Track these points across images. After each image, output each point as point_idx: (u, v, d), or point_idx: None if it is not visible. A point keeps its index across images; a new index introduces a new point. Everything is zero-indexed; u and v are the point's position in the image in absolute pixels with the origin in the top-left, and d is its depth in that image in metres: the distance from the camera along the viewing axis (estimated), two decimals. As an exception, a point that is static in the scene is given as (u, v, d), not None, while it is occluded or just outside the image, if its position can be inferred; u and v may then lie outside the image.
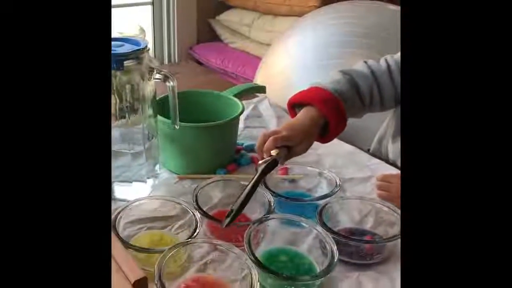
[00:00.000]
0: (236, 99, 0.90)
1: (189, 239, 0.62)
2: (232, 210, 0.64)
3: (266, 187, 0.74)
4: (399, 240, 0.67)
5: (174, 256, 0.59)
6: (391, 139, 0.89)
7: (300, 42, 1.41)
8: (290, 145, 0.72)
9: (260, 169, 0.69)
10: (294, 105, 0.80)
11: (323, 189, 0.78)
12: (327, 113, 0.75)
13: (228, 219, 0.64)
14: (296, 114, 0.78)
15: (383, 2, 1.70)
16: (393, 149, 0.88)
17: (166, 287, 0.53)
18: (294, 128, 0.73)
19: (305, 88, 0.81)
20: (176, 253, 0.59)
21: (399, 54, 0.86)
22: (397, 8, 1.55)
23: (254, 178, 0.68)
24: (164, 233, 0.69)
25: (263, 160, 0.71)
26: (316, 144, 0.99)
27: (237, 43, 2.07)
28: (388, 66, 0.84)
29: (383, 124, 0.94)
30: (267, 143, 0.71)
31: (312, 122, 0.75)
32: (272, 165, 0.70)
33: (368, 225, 0.73)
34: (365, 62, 0.85)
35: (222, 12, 2.15)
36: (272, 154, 0.71)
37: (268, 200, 0.71)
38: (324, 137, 0.79)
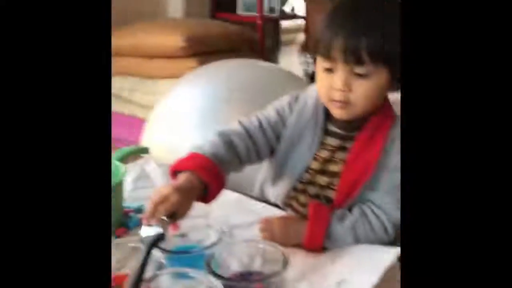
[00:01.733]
0: (118, 163, 0.92)
1: (78, 310, 0.61)
2: None
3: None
4: (284, 275, 0.73)
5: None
6: (271, 182, 0.96)
7: (181, 101, 1.47)
8: (178, 211, 0.75)
9: (146, 245, 0.70)
10: (176, 171, 0.83)
11: (212, 239, 0.81)
12: (208, 179, 0.80)
13: None
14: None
15: (255, 59, 1.85)
16: (274, 191, 0.96)
17: None
18: (181, 191, 0.76)
19: (185, 154, 0.85)
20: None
21: (267, 109, 0.94)
22: (268, 65, 1.71)
23: (143, 256, 0.68)
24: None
25: (151, 232, 0.72)
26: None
27: (121, 108, 2.09)
28: (260, 122, 0.91)
29: (261, 172, 1.01)
30: (158, 213, 0.73)
31: (193, 186, 0.79)
32: (160, 240, 0.71)
33: (256, 266, 0.77)
34: (240, 121, 0.92)
35: (103, 79, 2.16)
36: (159, 223, 0.72)
37: (157, 257, 0.72)
38: (205, 199, 0.83)
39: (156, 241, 0.71)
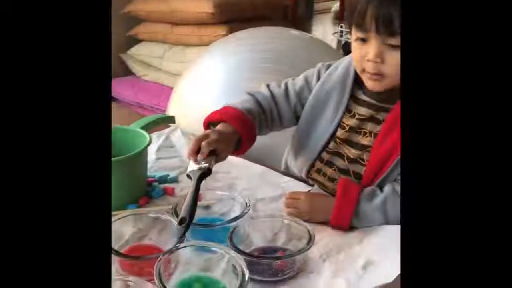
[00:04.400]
0: (142, 132, 0.90)
1: (97, 279, 0.61)
2: (184, 219, 0.69)
3: (177, 216, 0.74)
4: (307, 253, 0.70)
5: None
6: (295, 152, 0.94)
7: (209, 70, 1.44)
8: (218, 151, 0.79)
9: (196, 176, 0.75)
10: (210, 124, 0.87)
11: (236, 212, 0.79)
12: (240, 129, 0.83)
13: (183, 229, 0.68)
14: None
15: (286, 28, 1.79)
16: (298, 163, 0.93)
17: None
18: (220, 134, 0.81)
19: (219, 108, 0.89)
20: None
21: (298, 77, 0.94)
22: (299, 33, 1.64)
23: (193, 186, 0.73)
24: (72, 277, 0.66)
25: (197, 167, 0.76)
26: (229, 167, 1.02)
27: (150, 75, 2.07)
28: (286, 89, 0.93)
29: (287, 147, 0.99)
30: (202, 147, 0.77)
31: (229, 135, 0.83)
32: (207, 173, 0.76)
33: (280, 242, 0.75)
34: (268, 85, 0.95)
35: (133, 46, 2.14)
36: (204, 161, 0.77)
37: (179, 229, 0.71)
38: (237, 151, 0.86)
39: (203, 175, 0.75)
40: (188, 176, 0.77)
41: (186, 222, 0.68)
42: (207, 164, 0.76)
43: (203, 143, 0.77)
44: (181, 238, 0.68)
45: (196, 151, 0.78)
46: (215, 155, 0.79)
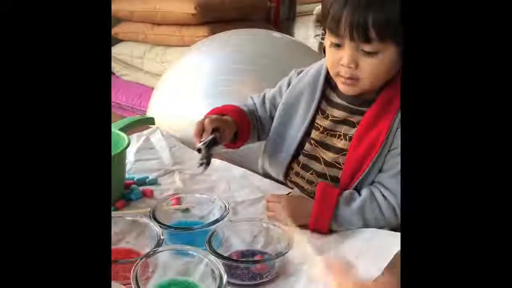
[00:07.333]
0: (121, 133, 0.89)
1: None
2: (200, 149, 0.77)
3: (155, 219, 0.73)
4: (286, 256, 0.70)
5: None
6: (270, 156, 0.94)
7: (190, 71, 1.43)
8: (221, 129, 0.83)
9: (204, 148, 0.79)
10: None
11: (215, 215, 0.79)
12: (239, 121, 0.88)
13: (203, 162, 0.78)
14: None
15: (268, 30, 1.79)
16: (275, 166, 0.93)
17: None
18: (222, 118, 0.85)
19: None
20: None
21: (274, 88, 0.96)
22: (281, 36, 1.64)
23: (203, 154, 0.79)
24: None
25: (202, 141, 0.79)
26: (209, 170, 1.00)
27: (131, 75, 2.05)
28: (263, 97, 0.96)
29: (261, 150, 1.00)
30: (205, 124, 0.81)
31: (229, 122, 0.87)
32: (213, 142, 0.80)
33: (259, 245, 0.74)
34: (251, 97, 0.98)
35: (113, 46, 2.12)
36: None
37: (157, 233, 0.70)
38: (233, 143, 0.90)
39: (211, 143, 0.79)
40: (198, 150, 0.80)
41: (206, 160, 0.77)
42: (212, 136, 0.80)
43: (206, 120, 0.81)
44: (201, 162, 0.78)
45: (200, 133, 0.81)
46: (219, 132, 0.82)
